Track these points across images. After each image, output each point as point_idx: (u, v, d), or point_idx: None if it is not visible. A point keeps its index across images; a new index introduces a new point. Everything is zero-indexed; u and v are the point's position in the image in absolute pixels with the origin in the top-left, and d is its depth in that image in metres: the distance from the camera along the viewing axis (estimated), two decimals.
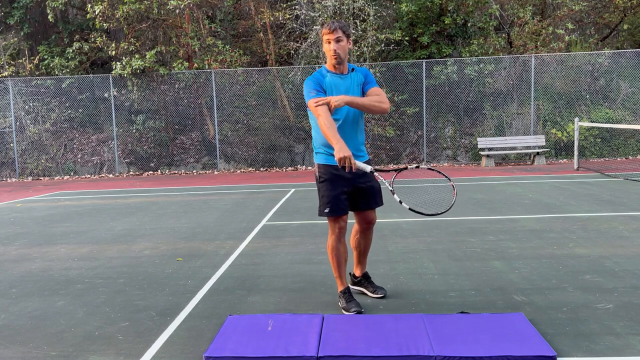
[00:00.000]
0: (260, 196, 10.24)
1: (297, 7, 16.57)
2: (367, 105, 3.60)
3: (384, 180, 3.53)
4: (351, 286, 4.16)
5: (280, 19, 16.79)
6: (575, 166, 13.25)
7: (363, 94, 3.75)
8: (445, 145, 16.57)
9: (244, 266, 5.11)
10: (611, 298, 3.87)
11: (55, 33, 19.19)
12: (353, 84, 3.72)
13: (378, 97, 3.65)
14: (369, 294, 4.06)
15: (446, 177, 3.54)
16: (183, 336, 3.44)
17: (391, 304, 3.89)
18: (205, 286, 4.49)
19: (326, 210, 3.69)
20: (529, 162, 15.56)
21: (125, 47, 16.58)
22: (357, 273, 4.16)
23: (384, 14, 16.47)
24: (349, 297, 3.80)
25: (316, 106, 3.47)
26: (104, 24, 16.60)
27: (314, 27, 16.00)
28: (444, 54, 16.75)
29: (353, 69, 3.77)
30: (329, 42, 3.60)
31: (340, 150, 3.37)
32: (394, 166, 3.48)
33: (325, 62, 3.79)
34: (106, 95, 17.04)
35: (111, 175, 16.76)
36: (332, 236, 3.77)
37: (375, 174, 3.54)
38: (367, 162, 3.70)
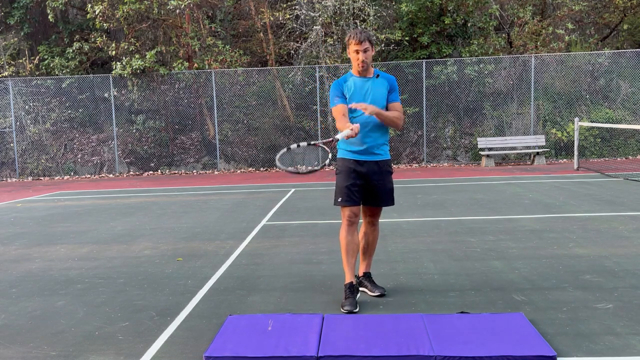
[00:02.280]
0: (260, 196, 10.24)
1: (297, 7, 16.56)
2: (389, 120, 3.90)
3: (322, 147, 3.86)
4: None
5: (280, 19, 16.79)
6: (575, 166, 13.25)
7: (387, 102, 3.98)
8: (445, 145, 16.57)
9: (244, 266, 5.11)
10: (611, 298, 3.87)
11: (55, 33, 19.19)
12: (376, 88, 3.95)
13: (398, 113, 3.97)
14: (369, 292, 4.11)
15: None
16: (183, 336, 3.44)
17: (391, 304, 3.90)
18: (205, 286, 4.50)
19: (339, 200, 3.96)
20: (529, 162, 15.56)
21: (125, 47, 16.58)
22: (360, 272, 4.25)
23: (384, 14, 16.47)
24: (349, 293, 3.89)
25: (354, 108, 3.84)
26: (104, 24, 16.59)
27: (314, 27, 15.99)
28: (444, 54, 16.75)
29: (378, 75, 4.00)
30: (357, 52, 3.88)
31: (347, 127, 3.71)
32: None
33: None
34: (106, 95, 17.04)
35: (111, 175, 16.76)
36: (342, 226, 4.00)
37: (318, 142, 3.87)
38: (386, 162, 3.98)
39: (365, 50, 3.86)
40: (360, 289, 4.18)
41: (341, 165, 4.00)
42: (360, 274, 4.23)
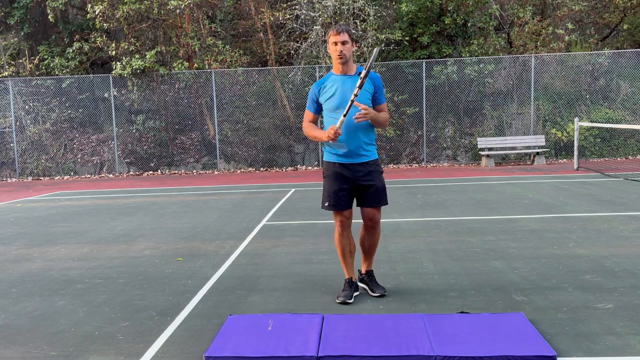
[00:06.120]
0: (260, 196, 10.24)
1: (297, 7, 16.56)
2: (379, 123, 3.89)
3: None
4: (358, 283, 4.24)
5: (280, 19, 16.79)
6: (575, 166, 13.25)
7: (372, 103, 3.93)
8: (445, 145, 16.57)
9: (244, 266, 5.11)
10: (611, 298, 3.87)
11: (55, 33, 19.19)
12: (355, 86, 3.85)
13: (386, 114, 3.96)
14: (369, 292, 4.11)
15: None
16: (183, 336, 3.44)
17: (391, 304, 3.90)
18: (205, 286, 4.50)
19: (325, 204, 3.97)
20: (529, 162, 15.56)
21: (125, 47, 16.58)
22: (362, 270, 4.23)
23: (384, 14, 16.47)
24: (347, 287, 4.02)
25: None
26: (104, 24, 16.59)
27: (314, 27, 15.99)
28: (444, 54, 16.75)
29: (360, 73, 3.90)
30: (336, 44, 3.83)
31: (324, 135, 3.78)
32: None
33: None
34: (106, 95, 17.04)
35: (111, 175, 16.76)
36: (336, 229, 4.04)
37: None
38: (373, 162, 3.94)
39: (343, 42, 3.79)
40: (362, 285, 4.19)
41: (327, 168, 3.98)
42: (363, 271, 4.21)
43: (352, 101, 3.68)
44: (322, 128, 4.01)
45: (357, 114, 3.70)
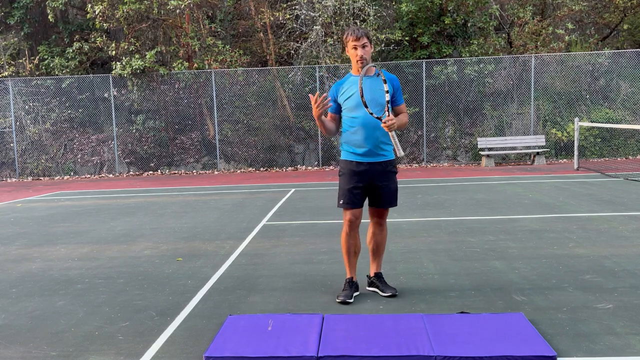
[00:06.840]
0: (260, 196, 10.24)
1: (297, 7, 16.57)
2: (402, 124, 3.94)
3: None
4: (367, 288, 4.23)
5: (280, 19, 16.79)
6: (575, 166, 13.25)
7: (391, 104, 3.96)
8: (445, 145, 16.57)
9: (244, 266, 5.11)
10: (611, 298, 3.87)
11: (55, 33, 19.19)
12: (376, 86, 3.90)
13: (406, 116, 4.03)
14: (380, 293, 4.10)
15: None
16: (183, 336, 3.44)
17: (391, 304, 3.90)
18: (205, 286, 4.50)
19: (340, 202, 4.00)
20: (529, 162, 15.56)
21: (125, 47, 16.58)
22: (371, 273, 4.23)
23: (384, 14, 16.47)
24: (347, 286, 4.04)
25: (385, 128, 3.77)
26: (104, 24, 16.59)
27: (314, 27, 15.99)
28: (444, 54, 16.75)
29: (378, 74, 3.94)
30: (356, 48, 3.85)
31: (314, 109, 3.76)
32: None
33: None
34: (106, 95, 17.04)
35: (111, 175, 16.76)
36: (344, 227, 4.04)
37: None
38: (390, 162, 3.98)
39: (363, 46, 3.84)
40: (372, 289, 4.19)
41: (343, 167, 4.00)
42: (372, 274, 4.21)
43: (387, 102, 3.76)
44: (342, 129, 4.06)
45: (384, 124, 3.73)
